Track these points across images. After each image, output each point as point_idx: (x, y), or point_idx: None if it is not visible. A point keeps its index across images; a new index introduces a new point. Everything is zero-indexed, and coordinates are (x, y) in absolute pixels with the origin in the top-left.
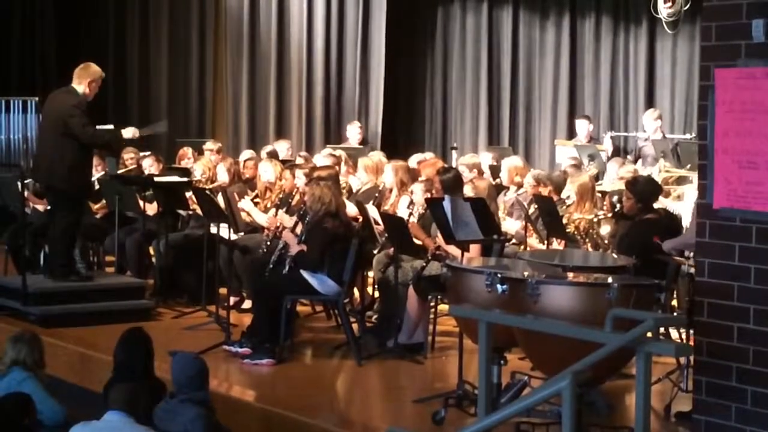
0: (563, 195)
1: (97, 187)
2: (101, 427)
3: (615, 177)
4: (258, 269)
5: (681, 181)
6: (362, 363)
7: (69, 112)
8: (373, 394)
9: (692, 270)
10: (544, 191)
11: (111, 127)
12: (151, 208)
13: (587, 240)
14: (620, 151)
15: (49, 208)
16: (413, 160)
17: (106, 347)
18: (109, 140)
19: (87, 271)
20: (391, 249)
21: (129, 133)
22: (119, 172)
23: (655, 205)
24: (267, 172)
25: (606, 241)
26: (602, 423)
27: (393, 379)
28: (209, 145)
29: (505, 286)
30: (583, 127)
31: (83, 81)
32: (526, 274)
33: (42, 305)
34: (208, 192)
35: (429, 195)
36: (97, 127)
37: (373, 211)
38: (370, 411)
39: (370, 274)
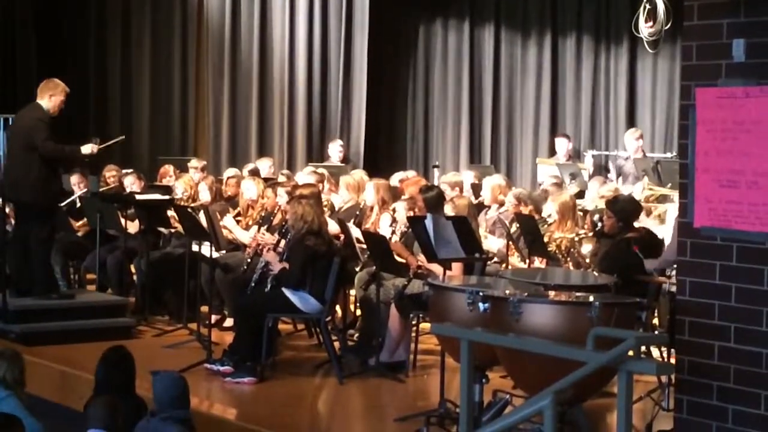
0: (545, 214)
1: (78, 204)
2: None
3: (596, 195)
4: (240, 287)
5: (662, 199)
6: (344, 381)
7: (32, 125)
8: (354, 413)
9: (673, 288)
10: (525, 210)
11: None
12: (133, 226)
13: (568, 259)
14: (602, 169)
15: (14, 222)
16: (395, 179)
17: (87, 365)
18: (68, 154)
19: (68, 288)
20: (373, 267)
21: (87, 149)
22: (100, 189)
23: (636, 224)
24: (249, 189)
25: (587, 260)
26: None
27: (375, 398)
28: (194, 163)
29: (486, 305)
30: (562, 145)
31: (45, 95)
32: (507, 292)
33: (23, 323)
34: (190, 210)
35: (411, 213)
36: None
37: (354, 230)
38: (352, 429)
39: (353, 292)
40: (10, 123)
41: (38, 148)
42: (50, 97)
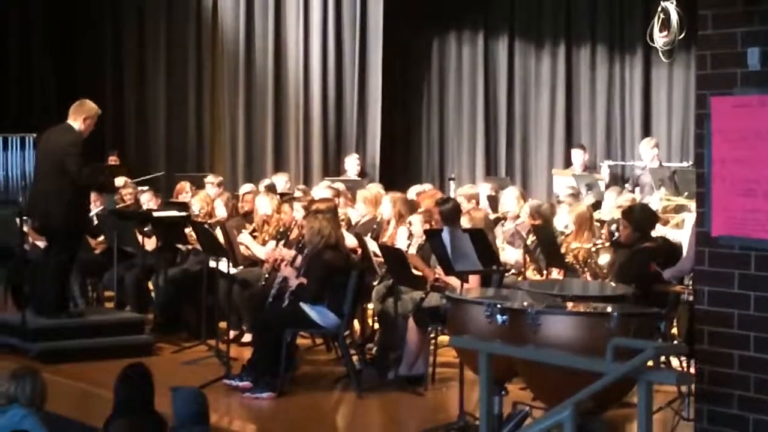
0: (561, 225)
1: (95, 222)
2: None
3: (613, 206)
4: (258, 303)
5: (680, 209)
6: (363, 395)
7: (66, 151)
8: (374, 427)
9: (692, 298)
10: (536, 223)
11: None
12: (150, 244)
13: (586, 269)
14: (618, 179)
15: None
16: (412, 192)
17: (107, 383)
18: (103, 183)
19: (84, 307)
20: (391, 280)
21: (121, 181)
22: (117, 207)
23: (653, 234)
24: (264, 205)
25: (605, 271)
26: None
27: (394, 412)
28: (210, 178)
29: (505, 317)
30: (578, 156)
31: (79, 118)
32: (525, 304)
33: (42, 341)
34: (206, 227)
35: (428, 226)
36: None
37: (372, 244)
38: None
39: (370, 306)
40: (27, 141)
41: (73, 177)
42: (84, 120)
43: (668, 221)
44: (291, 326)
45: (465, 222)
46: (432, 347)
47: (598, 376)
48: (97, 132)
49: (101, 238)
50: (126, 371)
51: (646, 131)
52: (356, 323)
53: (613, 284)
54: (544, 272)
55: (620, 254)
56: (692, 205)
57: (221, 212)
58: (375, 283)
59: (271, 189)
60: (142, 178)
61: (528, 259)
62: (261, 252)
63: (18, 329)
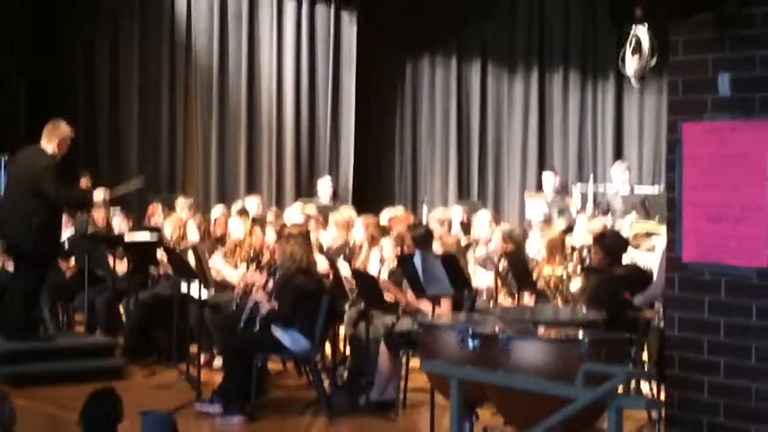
0: (533, 250)
1: (66, 246)
2: None
3: (585, 231)
4: (229, 327)
5: (651, 234)
6: (334, 420)
7: (40, 174)
8: None
9: (662, 323)
10: (508, 248)
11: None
12: (121, 267)
13: (557, 294)
14: (589, 204)
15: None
16: (385, 215)
17: (76, 407)
18: (81, 202)
19: (54, 330)
20: (363, 305)
21: (100, 195)
22: (89, 230)
23: (625, 259)
24: (237, 229)
25: (576, 296)
26: None
27: None
28: (181, 202)
29: (476, 342)
30: (549, 179)
31: (52, 141)
32: (497, 329)
33: (11, 365)
34: (178, 251)
35: (399, 249)
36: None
37: (344, 268)
38: None
39: (342, 330)
40: (2, 165)
41: (50, 198)
42: (57, 144)
43: (639, 245)
44: (262, 350)
45: (437, 247)
46: (403, 372)
47: (568, 401)
48: (69, 153)
49: (72, 261)
50: (92, 396)
51: (618, 155)
52: (327, 347)
53: (584, 309)
54: (516, 297)
55: (591, 279)
56: (663, 230)
57: (194, 235)
58: (346, 306)
59: (243, 213)
60: (122, 191)
61: (500, 284)
62: (233, 276)
63: None
